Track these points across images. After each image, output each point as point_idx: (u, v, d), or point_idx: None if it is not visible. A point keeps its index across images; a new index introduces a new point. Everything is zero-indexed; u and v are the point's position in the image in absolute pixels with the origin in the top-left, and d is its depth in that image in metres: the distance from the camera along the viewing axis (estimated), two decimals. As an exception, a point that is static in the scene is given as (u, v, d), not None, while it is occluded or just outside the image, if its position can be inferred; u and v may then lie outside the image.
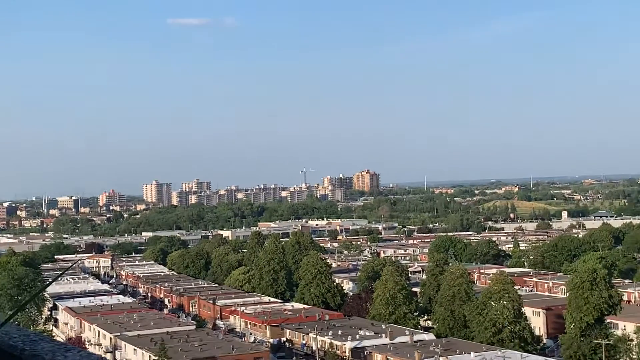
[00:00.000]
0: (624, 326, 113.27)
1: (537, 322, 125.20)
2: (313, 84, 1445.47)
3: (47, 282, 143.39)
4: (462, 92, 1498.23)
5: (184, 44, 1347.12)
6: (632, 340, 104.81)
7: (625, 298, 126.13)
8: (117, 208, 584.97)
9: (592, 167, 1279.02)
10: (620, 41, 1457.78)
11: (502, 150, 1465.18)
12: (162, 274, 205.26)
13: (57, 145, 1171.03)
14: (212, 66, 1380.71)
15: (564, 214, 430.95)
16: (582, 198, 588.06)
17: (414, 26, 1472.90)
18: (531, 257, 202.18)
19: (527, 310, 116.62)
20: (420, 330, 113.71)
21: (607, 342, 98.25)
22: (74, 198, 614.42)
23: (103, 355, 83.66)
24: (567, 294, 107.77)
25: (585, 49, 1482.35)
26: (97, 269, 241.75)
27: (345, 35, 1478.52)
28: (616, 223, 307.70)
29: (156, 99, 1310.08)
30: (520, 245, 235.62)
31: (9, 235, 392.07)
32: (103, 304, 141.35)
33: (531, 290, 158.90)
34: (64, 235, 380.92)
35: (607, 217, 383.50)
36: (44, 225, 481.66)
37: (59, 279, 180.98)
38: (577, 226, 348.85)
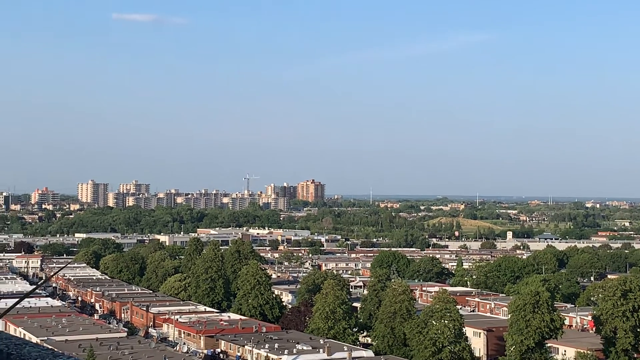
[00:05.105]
0: (565, 351, 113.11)
1: (478, 343, 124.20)
2: (261, 88, 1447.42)
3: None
4: (409, 105, 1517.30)
5: (128, 41, 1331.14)
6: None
7: (566, 322, 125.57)
8: (50, 207, 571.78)
9: (538, 188, 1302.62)
10: (568, 59, 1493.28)
11: (449, 167, 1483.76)
12: (94, 277, 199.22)
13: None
14: (155, 64, 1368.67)
15: (509, 234, 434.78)
16: (527, 219, 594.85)
17: (362, 37, 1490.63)
18: (474, 277, 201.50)
19: (468, 331, 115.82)
20: (359, 347, 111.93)
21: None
22: (4, 194, 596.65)
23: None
24: (509, 315, 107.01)
25: (532, 67, 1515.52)
26: (25, 269, 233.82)
27: (293, 44, 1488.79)
28: (561, 246, 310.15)
29: (95, 96, 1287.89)
30: (463, 264, 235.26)
31: None
32: (30, 306, 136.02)
33: (473, 311, 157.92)
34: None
35: (551, 239, 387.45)
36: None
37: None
38: (521, 247, 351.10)
